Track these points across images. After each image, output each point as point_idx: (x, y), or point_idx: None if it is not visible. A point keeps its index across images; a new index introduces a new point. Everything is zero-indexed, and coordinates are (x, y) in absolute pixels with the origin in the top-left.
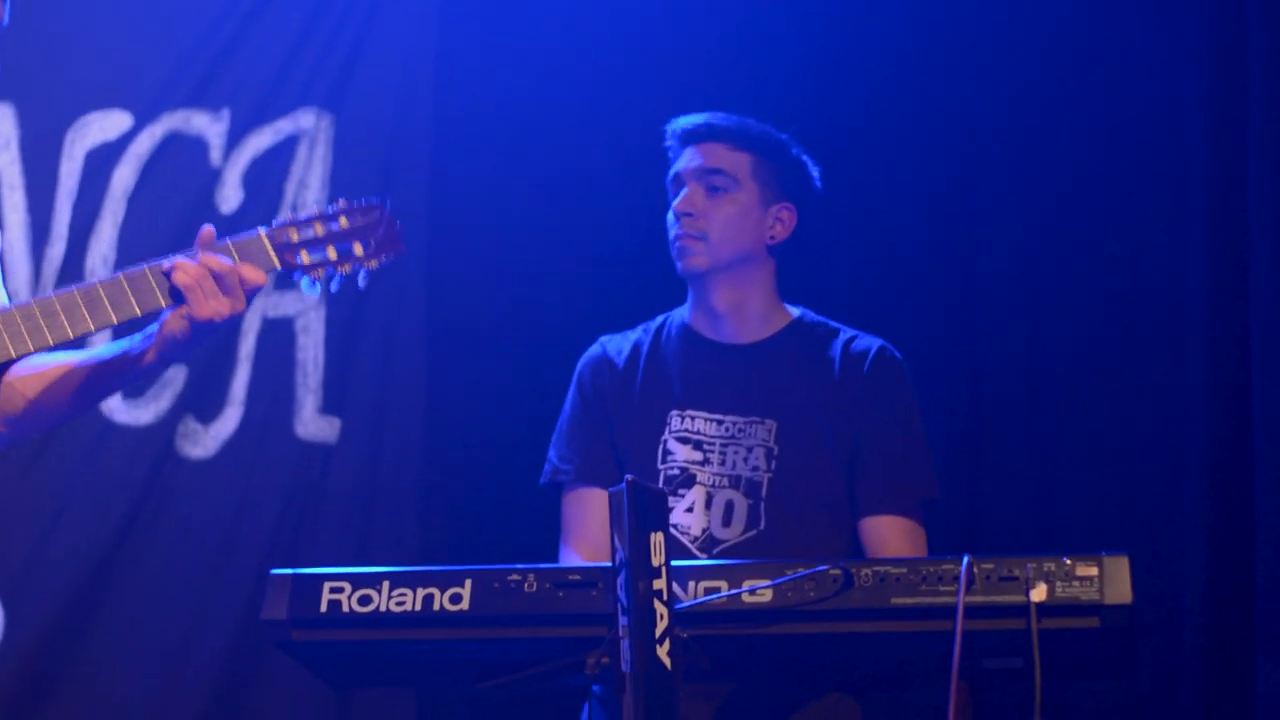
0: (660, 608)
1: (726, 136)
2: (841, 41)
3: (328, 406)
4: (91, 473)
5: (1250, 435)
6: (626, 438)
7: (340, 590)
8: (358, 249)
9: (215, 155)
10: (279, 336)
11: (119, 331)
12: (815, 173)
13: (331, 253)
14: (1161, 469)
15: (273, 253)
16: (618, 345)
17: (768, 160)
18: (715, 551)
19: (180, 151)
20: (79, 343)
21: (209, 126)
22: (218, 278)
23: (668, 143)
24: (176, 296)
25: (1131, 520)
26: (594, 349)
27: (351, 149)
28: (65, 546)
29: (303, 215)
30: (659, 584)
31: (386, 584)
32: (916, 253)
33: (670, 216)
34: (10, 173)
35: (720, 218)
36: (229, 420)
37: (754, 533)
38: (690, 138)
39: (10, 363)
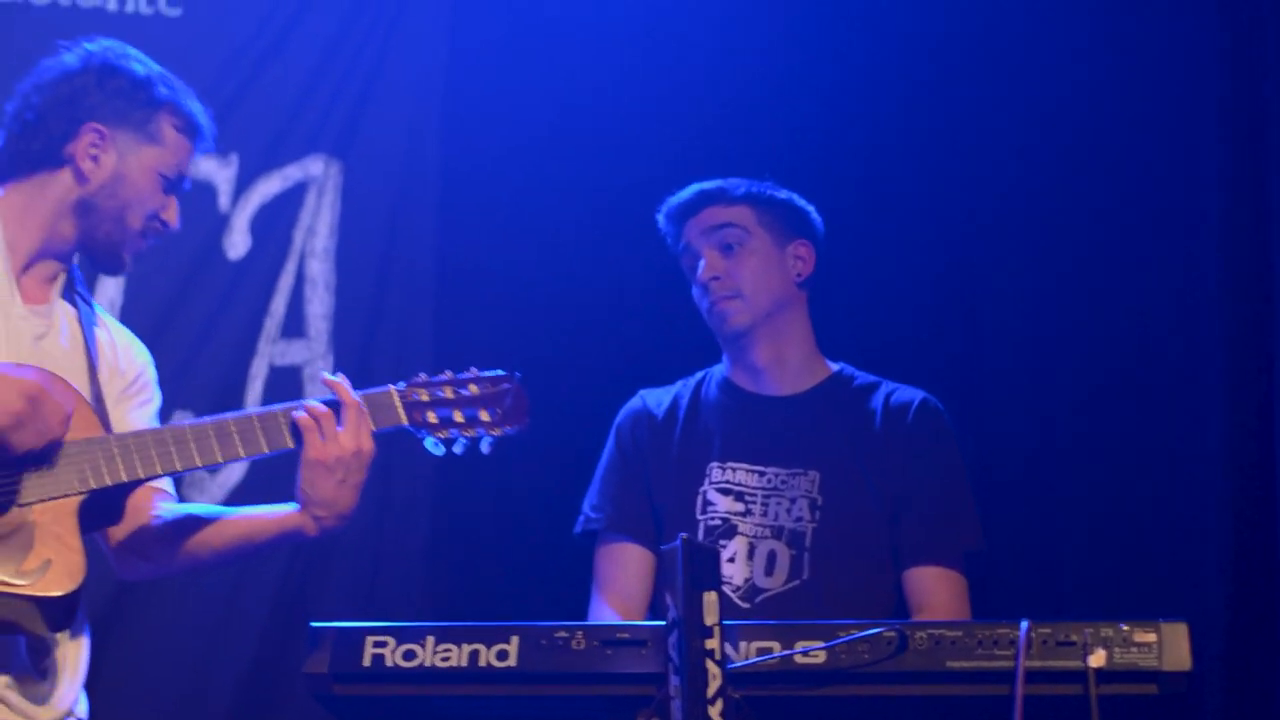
0: (713, 668)
1: (718, 197)
2: (851, 65)
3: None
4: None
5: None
6: (664, 490)
7: (384, 645)
8: (484, 416)
9: (224, 201)
10: (286, 384)
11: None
12: (811, 207)
13: (458, 416)
14: (1179, 527)
15: (401, 409)
16: (657, 398)
17: (764, 205)
18: (758, 601)
19: (188, 197)
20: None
21: (217, 172)
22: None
23: (662, 228)
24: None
25: (1146, 583)
26: (634, 402)
27: (360, 196)
28: None
29: (435, 378)
30: (711, 644)
31: (431, 639)
32: (925, 297)
33: (697, 291)
34: None
35: (746, 270)
36: (235, 470)
37: (797, 582)
38: (687, 211)
39: (138, 483)
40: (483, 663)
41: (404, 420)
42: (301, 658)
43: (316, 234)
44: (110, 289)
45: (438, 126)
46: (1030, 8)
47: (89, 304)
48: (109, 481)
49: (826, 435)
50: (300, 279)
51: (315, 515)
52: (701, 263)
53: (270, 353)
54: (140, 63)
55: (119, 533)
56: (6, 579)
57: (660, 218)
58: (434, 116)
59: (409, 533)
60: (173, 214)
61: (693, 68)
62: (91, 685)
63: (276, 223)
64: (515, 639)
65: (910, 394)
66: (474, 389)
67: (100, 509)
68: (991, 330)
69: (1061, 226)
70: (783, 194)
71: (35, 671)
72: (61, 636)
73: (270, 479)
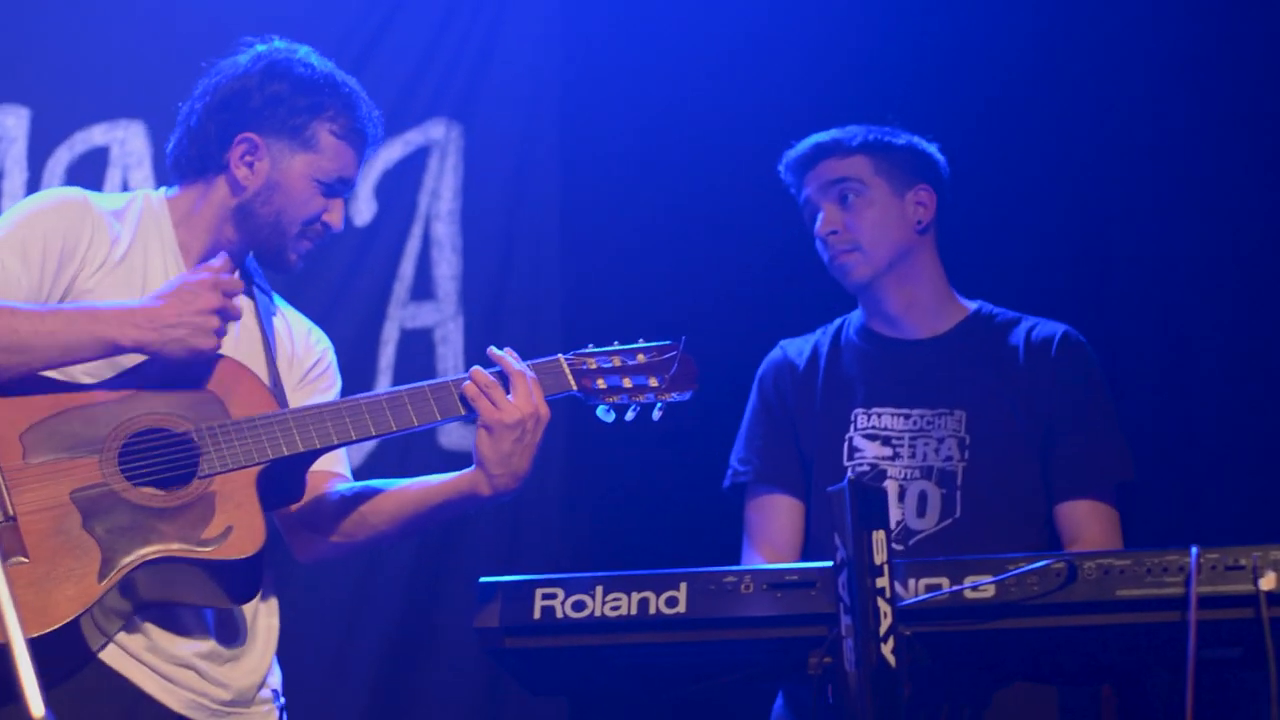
0: (884, 606)
1: (834, 150)
2: (972, 38)
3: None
4: None
5: None
6: (810, 439)
7: (553, 596)
8: (653, 382)
9: None
10: (418, 347)
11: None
12: (933, 148)
13: (627, 382)
14: None
15: (570, 376)
16: (798, 348)
17: (882, 153)
18: (911, 543)
19: None
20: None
21: None
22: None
23: (786, 181)
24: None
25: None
26: (774, 353)
27: (482, 158)
28: None
29: (602, 348)
30: (881, 582)
31: (600, 589)
32: (1060, 233)
33: (819, 244)
34: None
35: (864, 222)
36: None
37: (949, 521)
38: (804, 164)
39: (315, 455)
40: (652, 610)
41: (573, 386)
42: (445, 614)
43: (441, 197)
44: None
45: (557, 84)
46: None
47: (267, 295)
48: (286, 452)
49: (970, 374)
50: (426, 242)
51: (491, 475)
52: (820, 215)
53: (400, 316)
54: (306, 65)
55: (297, 513)
56: (189, 545)
57: (781, 169)
58: (553, 75)
59: (544, 484)
60: (336, 216)
61: (817, 14)
62: None
63: (401, 187)
64: (684, 585)
65: (1052, 328)
66: (641, 357)
67: (280, 483)
68: (1128, 257)
69: (1199, 157)
70: (902, 139)
71: (226, 642)
72: (249, 607)
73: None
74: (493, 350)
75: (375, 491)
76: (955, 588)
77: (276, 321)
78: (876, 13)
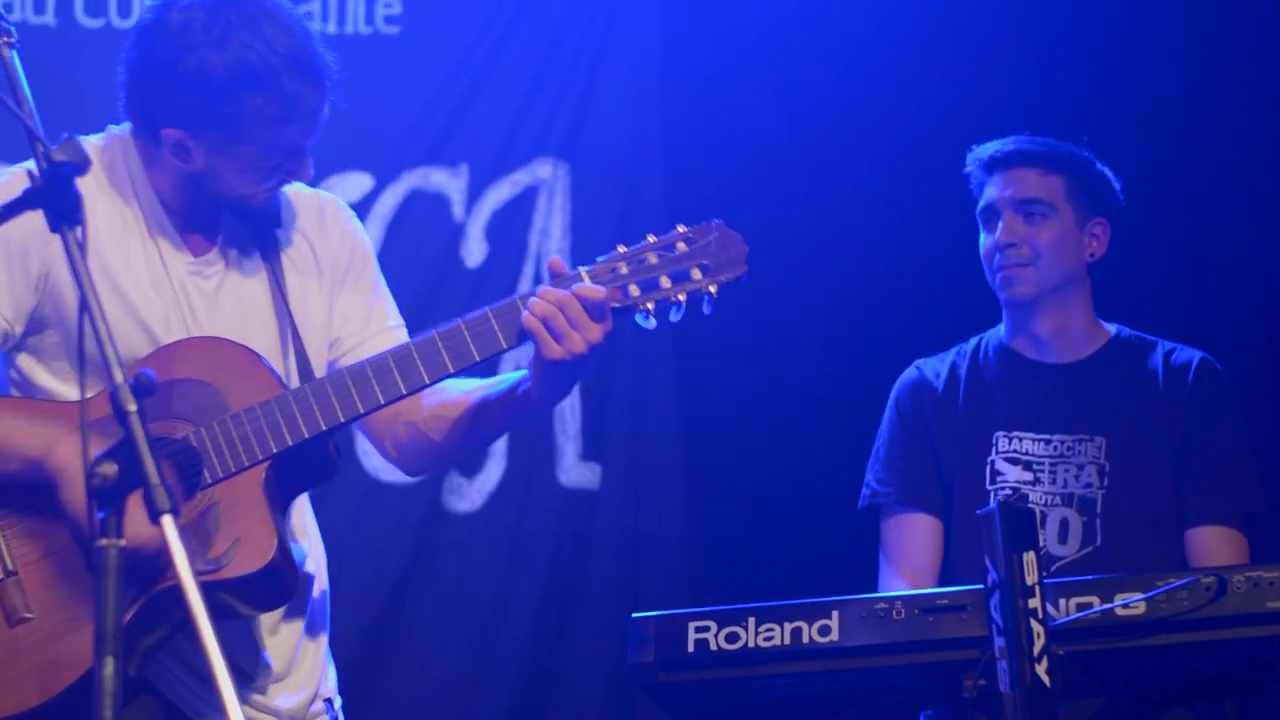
0: (1037, 626)
1: (1037, 161)
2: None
3: (588, 453)
4: (362, 532)
5: None
6: (950, 460)
7: (706, 629)
8: (695, 274)
9: (457, 210)
10: None
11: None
12: (1118, 185)
13: (665, 281)
14: None
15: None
16: (934, 368)
17: (1078, 180)
18: (1053, 569)
19: (422, 209)
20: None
21: (449, 182)
22: (587, 307)
23: (969, 169)
24: (521, 338)
25: None
26: (909, 373)
27: (589, 196)
28: (341, 606)
29: (635, 246)
30: (1034, 603)
31: (753, 620)
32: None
33: (986, 247)
34: None
35: (1045, 242)
36: (492, 473)
37: (1090, 549)
38: (998, 165)
39: (325, 436)
40: (805, 639)
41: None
42: (571, 651)
43: (550, 236)
44: None
45: (660, 119)
46: None
47: (273, 224)
48: (290, 442)
49: (1110, 400)
50: (539, 281)
51: (547, 396)
52: (1001, 224)
53: (514, 356)
54: (219, 47)
55: (384, 433)
56: (198, 567)
57: (971, 160)
58: (656, 109)
59: (665, 519)
60: (304, 171)
61: (917, 37)
62: (367, 688)
63: (510, 228)
64: (836, 613)
65: (1189, 354)
66: (682, 246)
67: (300, 468)
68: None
69: None
70: (1096, 166)
71: (270, 665)
72: (291, 623)
73: (529, 475)
74: (557, 260)
75: (451, 400)
76: (1107, 605)
77: (289, 271)
78: (975, 41)
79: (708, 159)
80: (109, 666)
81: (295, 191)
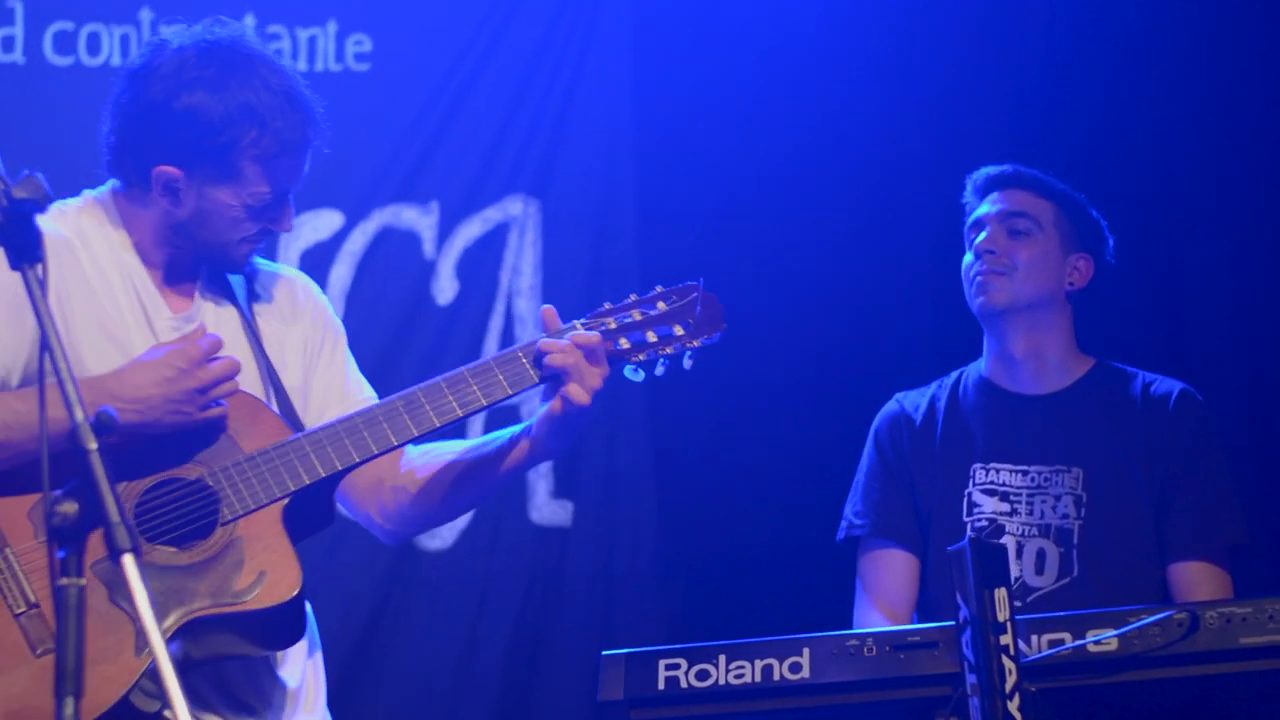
0: (1008, 663)
1: (1032, 184)
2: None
3: (560, 490)
4: (334, 569)
5: None
6: (928, 493)
7: (676, 667)
8: (678, 330)
9: (428, 247)
10: (504, 420)
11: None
12: (1107, 232)
13: (651, 336)
14: None
15: None
16: (914, 401)
17: (1068, 211)
18: (1030, 600)
19: (393, 246)
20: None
21: (419, 219)
22: (589, 353)
23: (966, 198)
24: (520, 386)
25: None
26: (890, 406)
27: (561, 233)
28: None
29: (621, 303)
30: (1005, 639)
31: (723, 657)
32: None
33: (968, 257)
34: None
35: (1024, 255)
36: None
37: (1067, 579)
38: (994, 184)
39: (338, 477)
40: (776, 676)
41: None
42: (543, 689)
43: (521, 273)
44: None
45: (631, 156)
46: None
47: (247, 282)
48: (307, 480)
49: (1088, 431)
50: (509, 319)
51: (551, 447)
52: (985, 232)
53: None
54: (220, 86)
55: (368, 501)
56: (221, 601)
57: (968, 183)
58: (627, 146)
59: (638, 559)
60: (285, 223)
61: (898, 75)
62: None
63: (482, 265)
64: (806, 650)
65: (1169, 384)
66: (662, 305)
67: (308, 510)
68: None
69: None
70: (1086, 207)
71: (272, 693)
72: (293, 654)
73: (500, 512)
74: (550, 309)
75: (439, 462)
76: (1079, 642)
77: (262, 320)
78: (965, 66)
79: (680, 196)
80: (69, 707)
81: (266, 272)
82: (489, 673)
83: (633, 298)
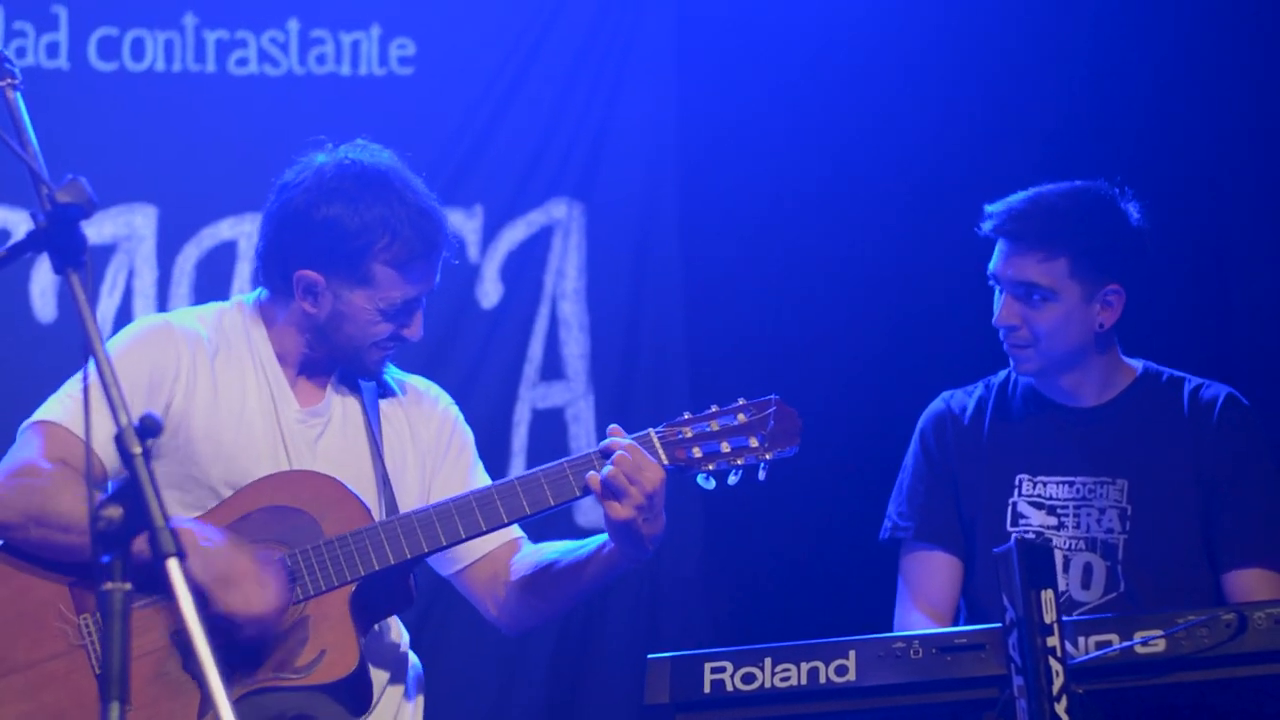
0: (1055, 665)
1: (1037, 244)
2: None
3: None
4: None
5: None
6: (973, 496)
7: (722, 670)
8: (753, 442)
9: (472, 251)
10: (550, 427)
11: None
12: (1140, 231)
13: (725, 447)
14: None
15: (661, 450)
16: (961, 401)
17: (1085, 256)
18: (1076, 614)
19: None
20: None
21: (464, 224)
22: (629, 478)
23: (984, 224)
24: (587, 490)
25: None
26: (936, 404)
27: (604, 235)
28: None
29: (700, 414)
30: (1052, 641)
31: (769, 660)
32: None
33: (995, 315)
34: None
35: (1044, 326)
36: None
37: (1114, 595)
38: (1000, 234)
39: (410, 564)
40: (822, 679)
41: (664, 461)
42: (590, 693)
43: (566, 276)
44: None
45: (675, 157)
46: None
47: (379, 388)
48: (377, 566)
49: (1134, 442)
50: (554, 322)
51: (627, 553)
52: (1001, 306)
53: (531, 397)
54: (356, 194)
55: (486, 595)
56: (283, 674)
57: (985, 221)
58: (670, 148)
59: (684, 562)
60: (414, 329)
61: (935, 75)
62: None
63: (526, 268)
64: (853, 653)
65: (1215, 390)
66: (741, 418)
67: (382, 594)
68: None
69: None
70: (1111, 226)
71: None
72: (381, 707)
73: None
74: (614, 430)
75: (543, 567)
76: (1126, 643)
77: (386, 409)
78: (1010, 68)
79: (723, 197)
80: (114, 711)
81: (400, 378)
82: (535, 677)
83: (714, 409)
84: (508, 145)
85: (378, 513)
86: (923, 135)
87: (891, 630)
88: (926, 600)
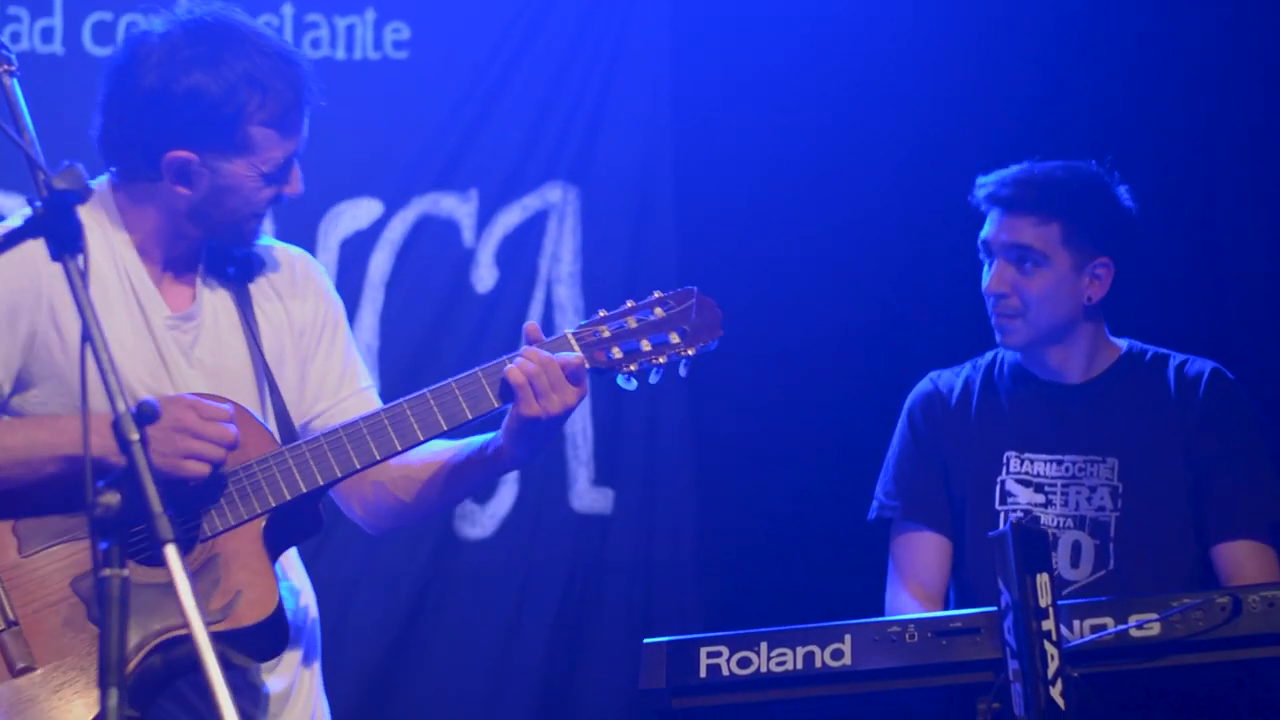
0: (1050, 648)
1: (1034, 205)
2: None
3: (600, 478)
4: (375, 559)
5: None
6: (961, 476)
7: (718, 654)
8: (674, 338)
9: (467, 235)
10: None
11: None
12: (1130, 210)
13: (645, 345)
14: None
15: (578, 350)
16: (949, 381)
17: (1077, 223)
18: (1065, 593)
19: (432, 234)
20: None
21: (459, 208)
22: (571, 375)
23: (975, 196)
24: (506, 396)
25: None
26: (924, 385)
27: (600, 218)
28: (357, 630)
29: (616, 310)
30: (1047, 625)
31: (765, 645)
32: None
33: (984, 285)
34: None
35: (1034, 293)
36: (505, 498)
37: (1103, 573)
38: (994, 202)
39: (321, 491)
40: (818, 664)
41: (584, 363)
42: (585, 678)
43: (561, 260)
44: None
45: (670, 142)
46: None
47: (248, 266)
48: (288, 497)
49: (1122, 419)
50: (549, 306)
51: (520, 454)
52: (992, 271)
53: None
54: (216, 60)
55: (350, 494)
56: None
57: (976, 189)
58: (666, 132)
59: (679, 546)
60: (295, 184)
61: (928, 62)
62: (381, 715)
63: (521, 253)
64: (848, 637)
65: (1200, 365)
66: (659, 312)
67: (293, 522)
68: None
69: None
70: (1103, 199)
71: (267, 684)
72: (284, 660)
73: (540, 500)
74: (530, 328)
75: (419, 462)
76: (1121, 627)
77: (261, 303)
78: (989, 60)
79: (718, 180)
80: (113, 698)
81: (267, 249)
82: (530, 661)
83: (629, 304)
84: (502, 129)
85: (265, 418)
86: (915, 117)
87: (883, 612)
88: (916, 581)
